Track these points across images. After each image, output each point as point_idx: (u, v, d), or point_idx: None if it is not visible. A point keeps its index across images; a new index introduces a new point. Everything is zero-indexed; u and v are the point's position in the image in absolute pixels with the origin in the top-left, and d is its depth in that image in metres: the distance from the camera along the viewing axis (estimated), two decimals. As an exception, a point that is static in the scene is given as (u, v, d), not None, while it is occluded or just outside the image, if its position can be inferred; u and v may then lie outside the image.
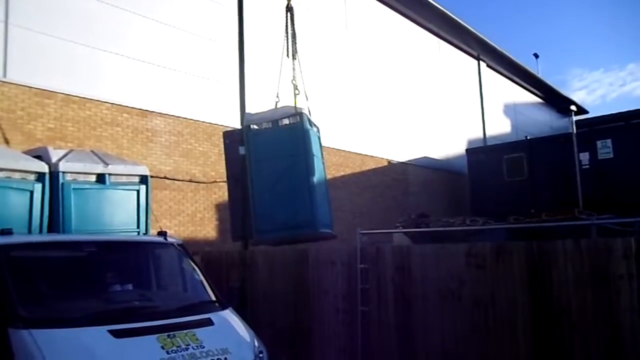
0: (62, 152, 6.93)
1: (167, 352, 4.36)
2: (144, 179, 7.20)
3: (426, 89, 20.52)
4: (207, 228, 11.86)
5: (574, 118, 17.92)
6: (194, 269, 5.97)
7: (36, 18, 9.43)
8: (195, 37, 12.17)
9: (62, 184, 6.42)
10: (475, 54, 24.20)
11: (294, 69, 8.52)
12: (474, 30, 22.10)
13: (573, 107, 18.82)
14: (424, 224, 10.42)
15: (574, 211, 9.96)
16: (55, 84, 9.59)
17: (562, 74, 74.09)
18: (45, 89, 9.47)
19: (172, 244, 6.13)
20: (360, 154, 16.67)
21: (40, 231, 6.19)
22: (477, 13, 65.88)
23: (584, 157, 16.47)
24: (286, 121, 8.15)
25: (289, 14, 8.64)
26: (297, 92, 8.45)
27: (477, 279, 6.03)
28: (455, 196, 20.54)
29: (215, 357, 4.54)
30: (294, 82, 8.49)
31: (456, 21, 21.07)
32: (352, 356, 6.87)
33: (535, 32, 74.03)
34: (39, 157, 6.60)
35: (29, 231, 6.09)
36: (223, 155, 9.56)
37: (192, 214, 11.62)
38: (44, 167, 6.38)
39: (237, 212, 8.58)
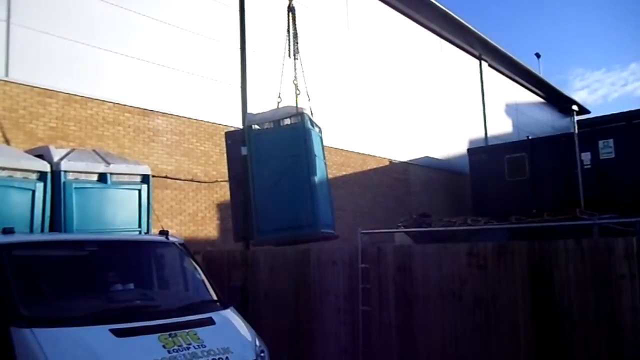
0: (63, 152, 6.93)
1: (169, 352, 4.36)
2: (145, 179, 7.20)
3: (428, 88, 20.51)
4: (208, 227, 11.87)
5: (576, 118, 17.93)
6: (195, 268, 5.97)
7: (38, 17, 9.44)
8: (197, 37, 12.18)
9: (64, 183, 6.42)
10: (477, 53, 24.17)
11: (295, 69, 8.53)
12: (475, 30, 22.08)
13: (575, 107, 18.79)
14: (425, 223, 10.41)
15: (575, 211, 9.95)
16: (57, 83, 9.60)
17: (564, 73, 74.13)
18: (47, 88, 9.48)
19: (173, 243, 6.13)
20: (362, 153, 16.66)
21: (42, 230, 6.20)
22: (479, 13, 65.87)
23: (586, 157, 16.45)
24: (288, 121, 8.16)
25: (290, 14, 8.64)
26: (298, 92, 8.46)
27: (478, 279, 6.03)
28: (457, 196, 20.52)
29: (217, 357, 4.54)
30: (295, 82, 8.50)
31: (458, 21, 21.04)
32: (353, 356, 6.87)
33: (537, 31, 74.02)
34: (40, 157, 6.60)
35: (31, 230, 6.09)
36: (224, 155, 9.57)
37: (193, 213, 11.63)
38: (45, 166, 6.39)
39: (239, 213, 8.58)
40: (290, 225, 7.78)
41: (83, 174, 6.64)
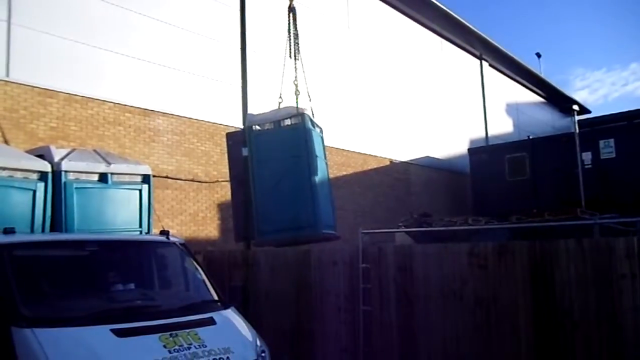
0: (64, 152, 6.93)
1: (170, 352, 4.36)
2: (146, 179, 7.20)
3: (428, 88, 20.50)
4: (209, 227, 11.87)
5: (577, 118, 17.94)
6: (196, 268, 5.98)
7: (38, 18, 9.44)
8: (198, 37, 12.18)
9: (65, 183, 6.42)
10: (477, 53, 24.16)
11: (296, 69, 8.52)
12: (476, 30, 22.06)
13: (575, 107, 18.81)
14: (426, 223, 10.42)
15: (576, 211, 9.97)
16: (57, 84, 9.61)
17: (565, 73, 74.07)
18: (48, 88, 9.48)
19: (174, 243, 6.13)
20: (363, 153, 16.66)
21: (43, 230, 6.20)
22: (479, 13, 65.85)
23: (587, 156, 16.45)
24: (288, 122, 8.15)
25: (291, 14, 8.63)
26: (298, 92, 8.46)
27: (479, 278, 6.03)
28: (458, 196, 20.51)
29: (218, 357, 4.54)
30: (295, 82, 8.50)
31: (459, 21, 21.03)
32: (353, 356, 6.87)
33: (537, 31, 73.98)
34: (41, 157, 6.60)
35: (32, 230, 6.09)
36: (225, 155, 9.57)
37: (194, 213, 11.63)
38: (46, 166, 6.39)
39: (240, 214, 8.58)
40: (290, 226, 7.77)
41: (84, 174, 6.64)
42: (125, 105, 10.65)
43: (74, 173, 6.55)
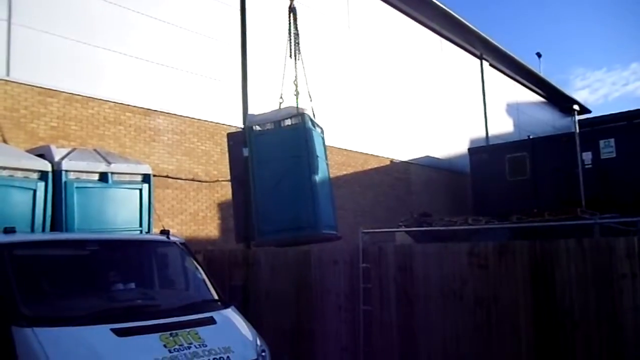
0: (65, 151, 6.93)
1: (170, 351, 4.36)
2: (146, 178, 7.20)
3: (429, 88, 20.50)
4: (209, 227, 11.87)
5: (577, 117, 17.89)
6: (196, 267, 5.98)
7: (39, 17, 9.44)
8: (198, 36, 12.18)
9: (65, 182, 6.42)
10: (477, 53, 24.15)
11: (296, 68, 8.52)
12: (476, 29, 22.06)
13: (576, 107, 18.75)
14: (426, 223, 10.42)
15: (576, 211, 9.96)
16: (58, 83, 9.61)
17: (565, 73, 74.07)
18: (48, 87, 9.48)
19: (174, 242, 6.14)
20: (363, 153, 16.66)
21: (43, 230, 6.19)
22: (479, 12, 65.82)
23: (587, 156, 16.44)
24: (288, 122, 8.14)
25: (291, 14, 8.62)
26: (296, 92, 8.44)
27: (479, 278, 6.03)
28: (458, 195, 20.51)
29: (218, 356, 4.55)
30: (295, 82, 8.49)
31: (459, 20, 21.02)
32: (354, 355, 6.87)
33: (537, 31, 73.96)
34: (41, 156, 6.60)
35: (32, 230, 6.09)
36: (225, 155, 9.57)
37: (194, 212, 11.63)
38: (46, 166, 6.39)
39: (241, 214, 8.58)
40: (291, 226, 7.77)
41: (84, 174, 6.64)
42: (126, 104, 10.65)
43: (74, 172, 6.55)
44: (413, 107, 19.31)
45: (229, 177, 9.48)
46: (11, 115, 8.96)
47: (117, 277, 5.46)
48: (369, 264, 6.83)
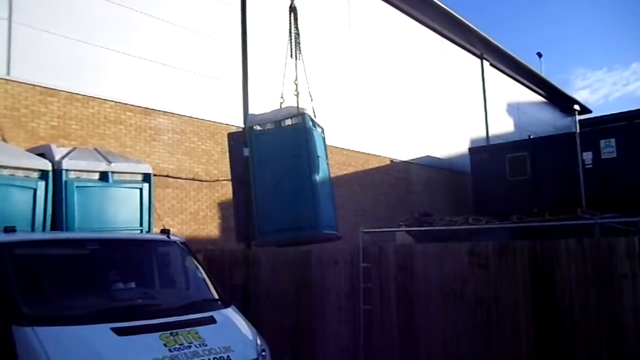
0: (65, 150, 6.93)
1: (170, 350, 4.36)
2: (147, 177, 7.19)
3: (429, 87, 20.49)
4: (209, 226, 11.87)
5: (577, 117, 17.89)
6: (196, 267, 5.97)
7: (39, 16, 9.44)
8: (199, 36, 12.18)
9: (65, 181, 6.42)
10: (478, 52, 24.14)
11: (296, 68, 8.51)
12: (477, 29, 22.05)
13: (576, 107, 18.74)
14: (426, 223, 10.42)
15: (577, 210, 9.97)
16: (58, 82, 9.60)
17: (565, 73, 74.07)
18: (49, 87, 9.48)
19: (175, 242, 6.13)
20: (364, 152, 16.66)
21: (44, 229, 6.20)
22: (480, 12, 65.80)
23: (587, 156, 16.45)
24: (289, 122, 8.14)
25: (292, 13, 8.62)
26: (296, 92, 8.45)
27: (479, 278, 6.03)
28: (458, 195, 20.51)
29: (218, 355, 4.54)
30: (296, 82, 8.49)
31: (459, 20, 21.01)
32: (354, 355, 6.87)
33: (538, 31, 73.94)
34: (42, 155, 6.60)
35: (32, 229, 6.09)
36: (226, 154, 9.57)
37: (194, 212, 11.63)
38: (47, 165, 6.39)
39: (241, 214, 8.58)
40: (291, 226, 7.77)
41: (84, 173, 6.64)
42: (126, 104, 10.65)
43: (74, 172, 6.55)
44: (414, 107, 19.30)
45: (229, 177, 9.48)
46: (12, 114, 8.96)
47: (117, 276, 5.46)
48: (370, 263, 6.83)
